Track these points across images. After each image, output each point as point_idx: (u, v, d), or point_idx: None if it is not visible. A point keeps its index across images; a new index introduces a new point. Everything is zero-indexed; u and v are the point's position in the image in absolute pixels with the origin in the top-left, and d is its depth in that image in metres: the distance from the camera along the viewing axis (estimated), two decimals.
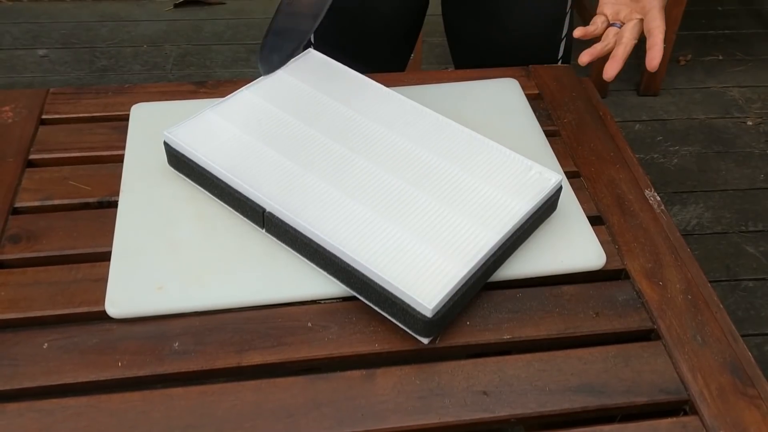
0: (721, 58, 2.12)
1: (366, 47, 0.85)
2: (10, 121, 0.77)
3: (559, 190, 0.66)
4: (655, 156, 1.79)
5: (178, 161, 0.68)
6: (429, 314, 0.54)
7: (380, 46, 0.88)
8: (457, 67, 0.99)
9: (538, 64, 0.88)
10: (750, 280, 1.51)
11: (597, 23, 0.72)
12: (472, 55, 0.96)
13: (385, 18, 0.87)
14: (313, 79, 0.76)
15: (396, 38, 0.91)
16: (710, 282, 0.64)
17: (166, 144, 0.68)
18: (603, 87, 1.91)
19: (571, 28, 0.91)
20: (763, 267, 1.54)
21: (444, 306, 0.55)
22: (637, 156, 0.75)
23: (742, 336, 0.60)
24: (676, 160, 1.79)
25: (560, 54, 0.92)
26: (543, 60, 0.89)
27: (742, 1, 2.36)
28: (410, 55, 0.98)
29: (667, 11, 1.83)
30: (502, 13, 0.88)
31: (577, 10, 1.71)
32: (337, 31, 0.91)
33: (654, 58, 0.67)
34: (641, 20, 0.69)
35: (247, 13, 2.23)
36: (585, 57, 0.70)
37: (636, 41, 0.70)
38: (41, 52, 2.04)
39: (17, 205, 0.68)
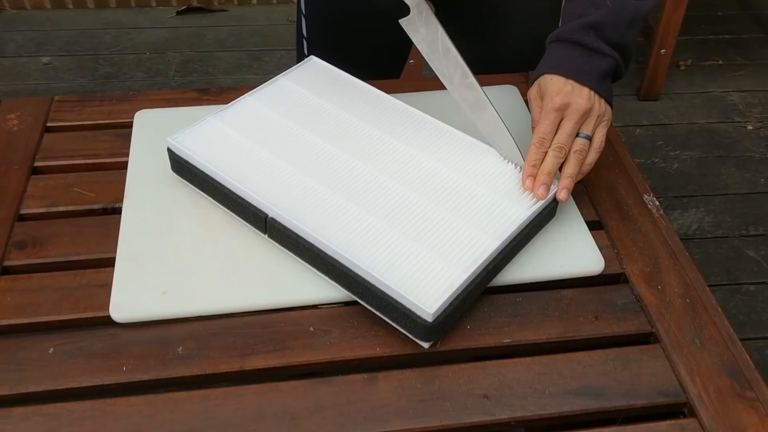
0: (721, 62, 2.13)
1: (358, 51, 0.85)
2: (15, 128, 0.78)
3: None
4: (656, 160, 1.80)
5: (182, 167, 0.69)
6: (429, 319, 0.55)
7: (373, 50, 0.89)
8: None
9: None
10: (751, 284, 1.51)
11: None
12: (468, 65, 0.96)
13: (377, 22, 0.87)
14: (315, 86, 0.77)
15: (389, 43, 0.92)
16: (711, 286, 0.65)
17: (169, 150, 0.69)
18: None
19: None
20: (763, 271, 1.54)
21: (444, 311, 0.56)
22: (637, 160, 0.75)
23: (744, 340, 0.61)
24: (676, 165, 1.79)
25: None
26: None
27: (741, 5, 2.36)
28: (404, 62, 0.99)
29: (667, 16, 1.84)
30: (494, 30, 0.89)
31: None
32: (330, 34, 0.91)
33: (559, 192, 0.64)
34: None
35: (249, 20, 2.25)
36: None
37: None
38: (45, 59, 2.05)
39: (23, 211, 0.69)
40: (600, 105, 0.65)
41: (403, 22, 0.68)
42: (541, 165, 0.64)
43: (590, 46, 0.64)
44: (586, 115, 0.64)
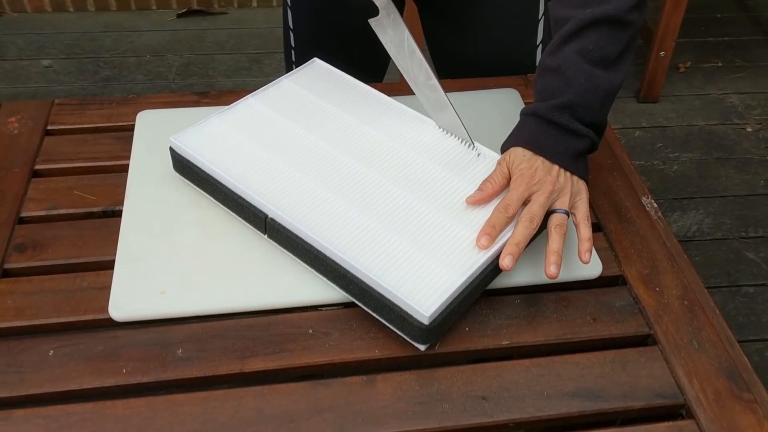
0: (720, 64, 2.13)
1: (342, 45, 0.85)
2: (16, 131, 0.78)
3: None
4: (656, 162, 1.80)
5: (183, 167, 0.69)
6: (426, 322, 0.55)
7: (356, 44, 0.89)
8: (441, 76, 1.00)
9: (519, 72, 0.89)
10: (750, 285, 1.51)
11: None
12: (452, 64, 0.97)
13: (359, 16, 0.87)
14: (318, 88, 0.77)
15: (371, 38, 0.92)
16: (711, 288, 0.65)
17: (171, 150, 0.70)
18: None
19: (547, 35, 0.91)
20: (763, 273, 1.54)
21: (441, 314, 0.56)
22: (637, 162, 0.75)
23: (743, 342, 0.61)
24: (676, 167, 1.80)
25: (537, 61, 0.92)
26: (520, 67, 0.90)
27: (740, 8, 2.37)
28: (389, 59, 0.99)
29: (666, 19, 1.84)
30: (474, 23, 0.89)
31: None
32: (315, 28, 0.92)
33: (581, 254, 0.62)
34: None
35: (249, 23, 2.25)
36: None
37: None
38: (45, 62, 2.06)
39: (23, 214, 0.69)
40: (573, 183, 0.64)
41: (372, 22, 0.70)
42: (499, 230, 0.61)
43: (568, 128, 0.64)
44: (557, 192, 0.63)
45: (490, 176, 0.65)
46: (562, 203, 0.63)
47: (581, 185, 0.65)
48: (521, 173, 0.63)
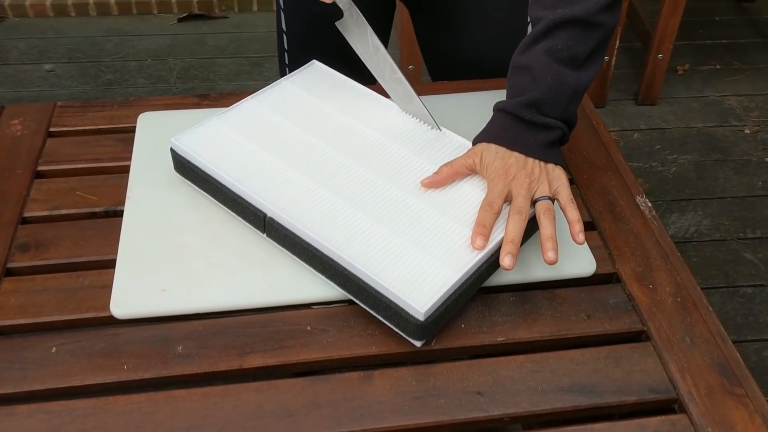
0: (718, 67, 2.14)
1: (335, 47, 0.86)
2: (19, 134, 0.80)
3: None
4: (654, 164, 1.81)
5: (184, 167, 0.70)
6: (421, 318, 0.56)
7: (348, 46, 0.90)
8: (433, 78, 1.01)
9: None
10: (748, 286, 1.52)
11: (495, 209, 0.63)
12: (443, 66, 0.98)
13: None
14: (317, 89, 0.78)
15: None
16: (709, 288, 0.66)
17: (172, 150, 0.71)
18: (601, 96, 1.93)
19: None
20: (761, 273, 1.55)
21: (436, 310, 0.57)
22: (635, 164, 0.76)
23: (741, 342, 0.62)
24: (674, 168, 1.80)
25: None
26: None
27: (738, 10, 2.38)
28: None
29: (664, 21, 1.85)
30: (464, 25, 0.91)
31: None
32: (308, 30, 0.93)
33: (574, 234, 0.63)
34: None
35: (249, 27, 2.26)
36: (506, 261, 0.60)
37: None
38: (47, 66, 2.07)
39: (26, 214, 0.70)
40: (548, 170, 0.65)
41: (339, 24, 0.73)
42: (490, 227, 0.62)
43: (536, 122, 0.65)
44: (535, 182, 0.64)
45: (450, 162, 0.67)
46: (543, 191, 0.64)
47: (558, 171, 0.66)
48: (496, 171, 0.65)
